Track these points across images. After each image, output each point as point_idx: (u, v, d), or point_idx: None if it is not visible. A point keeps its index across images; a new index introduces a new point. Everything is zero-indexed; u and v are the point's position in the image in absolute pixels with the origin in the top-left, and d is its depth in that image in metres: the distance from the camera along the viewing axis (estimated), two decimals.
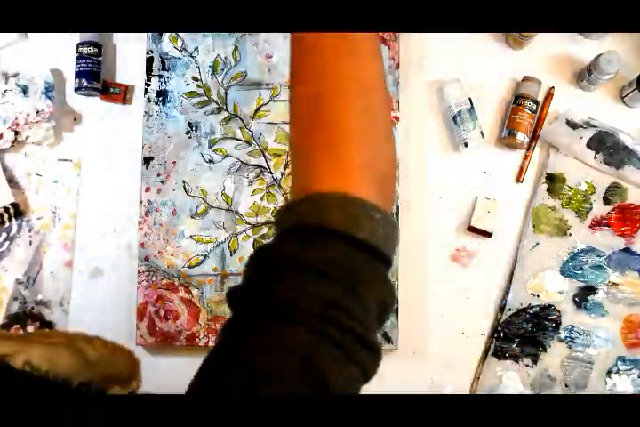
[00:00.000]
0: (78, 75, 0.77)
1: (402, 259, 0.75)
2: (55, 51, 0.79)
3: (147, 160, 0.76)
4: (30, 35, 0.79)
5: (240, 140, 0.76)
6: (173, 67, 0.77)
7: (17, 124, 0.74)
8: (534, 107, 0.76)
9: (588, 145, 0.75)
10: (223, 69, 0.77)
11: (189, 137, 0.76)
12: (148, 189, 0.75)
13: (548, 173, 0.77)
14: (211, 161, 0.76)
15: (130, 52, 0.80)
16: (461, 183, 0.76)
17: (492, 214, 0.75)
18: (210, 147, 0.76)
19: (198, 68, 0.78)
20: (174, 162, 0.76)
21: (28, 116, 0.74)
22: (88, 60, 0.76)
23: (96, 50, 0.77)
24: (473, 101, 0.76)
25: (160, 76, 0.77)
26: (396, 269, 0.74)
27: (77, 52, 0.77)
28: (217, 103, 0.77)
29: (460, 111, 0.75)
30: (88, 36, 0.77)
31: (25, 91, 0.75)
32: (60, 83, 0.78)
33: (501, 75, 0.79)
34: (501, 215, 0.76)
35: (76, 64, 0.77)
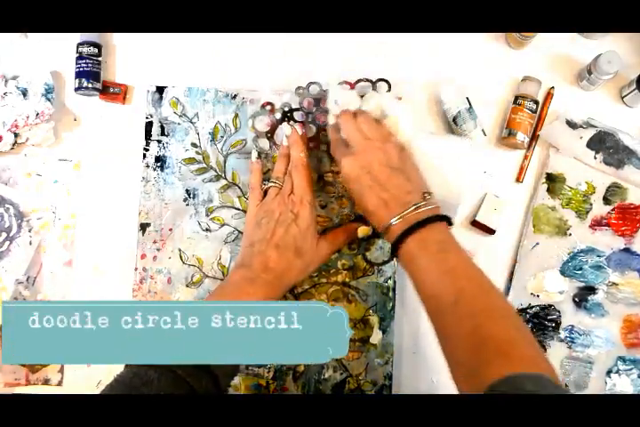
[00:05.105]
0: (78, 75, 0.76)
1: None
2: (55, 51, 0.78)
3: (143, 227, 0.75)
4: (30, 35, 0.79)
5: (238, 209, 0.75)
6: (172, 132, 0.76)
7: (16, 126, 0.74)
8: (534, 107, 0.76)
9: (588, 145, 0.75)
10: (223, 136, 0.76)
11: (187, 204, 0.75)
12: (143, 256, 0.74)
13: (547, 173, 0.77)
14: (207, 229, 0.75)
15: (130, 52, 0.79)
16: (461, 183, 0.76)
17: (498, 213, 0.75)
18: (207, 215, 0.75)
19: (198, 134, 0.76)
20: (170, 229, 0.75)
21: (27, 118, 0.74)
22: (88, 60, 0.76)
23: (96, 50, 0.77)
24: (471, 100, 0.76)
25: (159, 142, 0.76)
26: (393, 269, 0.74)
27: (77, 52, 0.77)
28: (215, 171, 0.75)
29: (459, 111, 0.75)
30: (88, 36, 0.77)
31: (24, 93, 0.75)
32: (59, 83, 0.78)
33: (501, 75, 0.79)
34: (502, 215, 0.76)
35: (76, 64, 0.77)
